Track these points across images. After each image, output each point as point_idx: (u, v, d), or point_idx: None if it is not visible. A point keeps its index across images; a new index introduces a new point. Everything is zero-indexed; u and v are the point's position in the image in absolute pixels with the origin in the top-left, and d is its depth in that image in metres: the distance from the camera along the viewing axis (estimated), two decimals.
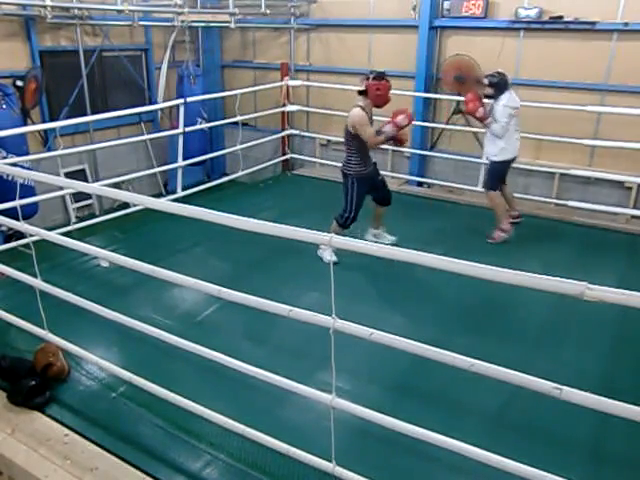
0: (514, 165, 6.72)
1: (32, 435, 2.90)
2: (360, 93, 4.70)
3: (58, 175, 6.68)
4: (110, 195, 3.10)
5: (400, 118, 4.65)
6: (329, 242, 2.04)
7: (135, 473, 2.66)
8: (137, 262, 2.76)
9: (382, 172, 7.44)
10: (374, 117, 4.82)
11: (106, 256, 3.19)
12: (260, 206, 6.48)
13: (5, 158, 5.43)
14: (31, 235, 3.20)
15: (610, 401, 1.83)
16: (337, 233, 4.71)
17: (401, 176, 7.52)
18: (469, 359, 2.01)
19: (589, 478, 2.67)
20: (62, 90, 7.01)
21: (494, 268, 1.85)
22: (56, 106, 7.01)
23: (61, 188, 5.31)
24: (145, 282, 3.60)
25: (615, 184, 6.25)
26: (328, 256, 4.80)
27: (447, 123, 7.25)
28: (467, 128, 7.09)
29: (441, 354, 2.06)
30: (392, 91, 7.21)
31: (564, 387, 1.86)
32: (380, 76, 4.65)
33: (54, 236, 3.17)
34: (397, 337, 2.14)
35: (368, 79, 4.64)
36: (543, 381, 1.90)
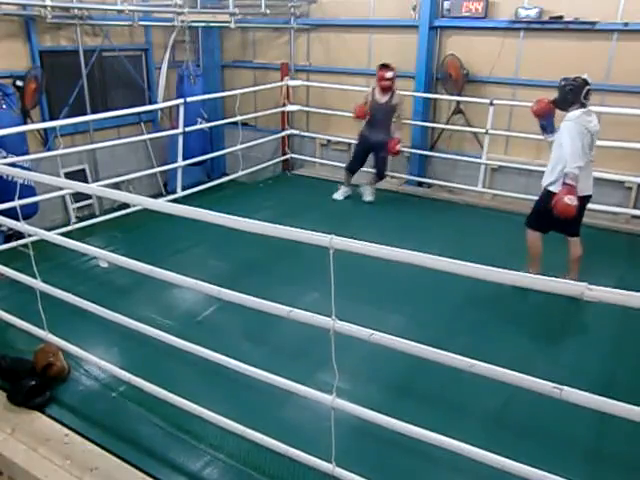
0: (514, 165, 6.76)
1: (32, 435, 2.89)
2: None
3: (58, 175, 6.68)
4: (107, 196, 3.10)
5: None
6: (329, 243, 2.04)
7: (135, 473, 2.66)
8: (137, 262, 2.77)
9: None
10: None
11: (106, 256, 3.18)
12: (260, 206, 6.47)
13: (5, 158, 5.42)
14: (30, 235, 3.19)
15: (610, 401, 1.83)
16: None
17: (401, 176, 7.51)
18: (469, 360, 2.01)
19: (589, 478, 2.66)
20: (62, 90, 7.00)
21: (494, 269, 1.85)
22: (56, 106, 6.99)
23: (61, 188, 5.31)
24: (145, 282, 3.60)
25: (615, 184, 6.24)
26: None
27: (447, 123, 7.25)
28: (467, 128, 7.09)
29: (441, 355, 2.06)
30: None
31: (564, 387, 1.86)
32: None
33: (54, 236, 3.18)
34: (397, 338, 2.14)
35: None
36: (543, 381, 1.90)
